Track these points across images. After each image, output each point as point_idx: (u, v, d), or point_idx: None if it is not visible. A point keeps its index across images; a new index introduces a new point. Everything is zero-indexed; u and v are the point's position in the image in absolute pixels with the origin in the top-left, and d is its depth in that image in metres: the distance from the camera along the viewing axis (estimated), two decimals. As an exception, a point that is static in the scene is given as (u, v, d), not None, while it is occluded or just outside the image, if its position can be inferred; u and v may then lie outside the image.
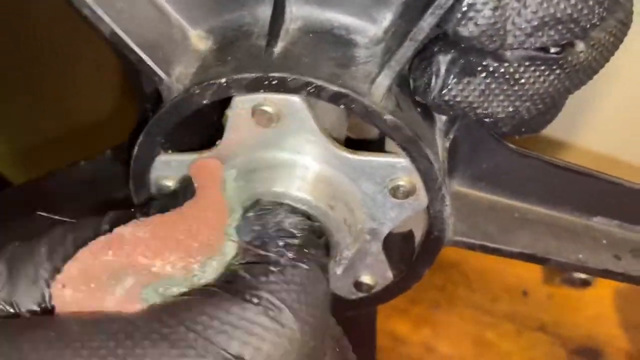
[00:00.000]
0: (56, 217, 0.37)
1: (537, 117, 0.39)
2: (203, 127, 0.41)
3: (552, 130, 0.41)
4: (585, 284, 0.73)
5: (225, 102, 0.37)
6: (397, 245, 0.43)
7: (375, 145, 0.40)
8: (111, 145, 0.48)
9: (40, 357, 0.27)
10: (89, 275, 0.31)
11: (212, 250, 0.33)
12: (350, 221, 0.38)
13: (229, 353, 0.28)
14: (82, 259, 0.31)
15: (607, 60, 0.39)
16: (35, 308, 0.31)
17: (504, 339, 0.71)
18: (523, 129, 0.40)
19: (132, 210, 0.36)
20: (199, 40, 0.40)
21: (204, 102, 0.36)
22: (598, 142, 0.70)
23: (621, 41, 0.40)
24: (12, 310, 0.31)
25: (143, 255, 0.31)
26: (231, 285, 0.30)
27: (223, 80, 0.35)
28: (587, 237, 0.45)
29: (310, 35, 0.38)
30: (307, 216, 0.37)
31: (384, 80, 0.35)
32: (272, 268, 0.31)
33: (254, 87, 0.35)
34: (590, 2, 0.33)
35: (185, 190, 0.37)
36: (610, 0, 0.34)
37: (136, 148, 0.39)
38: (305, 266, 0.32)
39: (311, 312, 0.30)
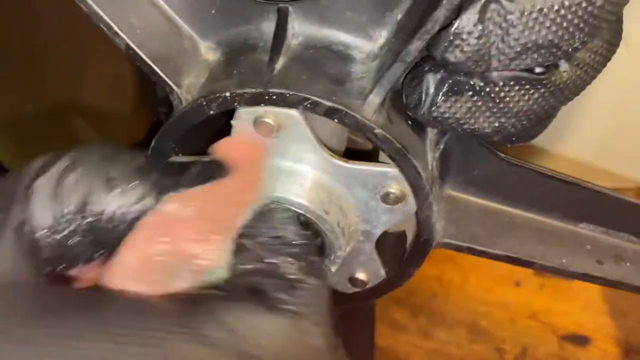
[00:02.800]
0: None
1: (525, 130, 0.41)
2: (212, 132, 0.45)
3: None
4: None
5: (232, 110, 0.40)
6: (390, 245, 0.46)
7: (372, 155, 0.43)
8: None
9: (74, 337, 0.28)
10: (147, 264, 0.33)
11: (230, 231, 0.35)
12: (344, 224, 0.41)
13: (257, 357, 0.29)
14: (138, 247, 0.33)
15: (594, 77, 0.41)
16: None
17: (498, 326, 0.74)
18: (514, 139, 0.42)
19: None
20: (208, 52, 0.43)
21: (211, 112, 0.39)
22: (575, 150, 0.73)
23: (608, 59, 0.41)
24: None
25: (191, 241, 0.33)
26: (254, 294, 0.32)
27: (228, 94, 0.38)
28: (572, 242, 0.47)
29: (310, 51, 0.41)
30: (306, 221, 0.40)
31: (375, 98, 0.38)
32: (289, 281, 0.33)
33: (255, 101, 0.38)
34: (571, 29, 0.35)
35: (223, 167, 0.37)
36: (592, 25, 0.36)
37: (149, 152, 0.42)
38: (312, 280, 0.34)
39: (324, 318, 0.33)
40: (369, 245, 0.44)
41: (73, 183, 0.32)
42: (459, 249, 0.45)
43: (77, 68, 0.56)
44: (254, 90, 0.38)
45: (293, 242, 0.37)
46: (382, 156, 0.42)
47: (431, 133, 0.43)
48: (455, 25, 0.34)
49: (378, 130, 0.38)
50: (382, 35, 0.40)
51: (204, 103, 0.39)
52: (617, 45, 0.41)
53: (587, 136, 0.73)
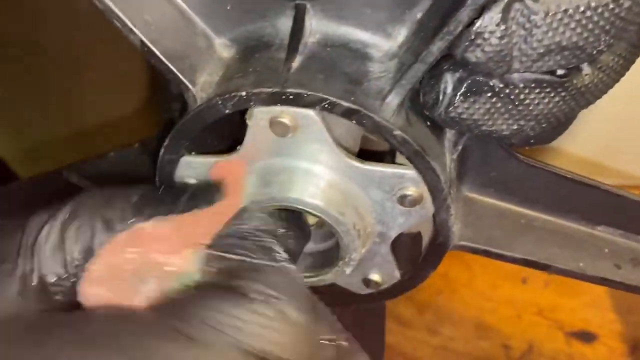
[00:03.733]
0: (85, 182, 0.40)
1: (544, 132, 0.40)
2: (226, 131, 0.44)
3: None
4: None
5: (247, 110, 0.39)
6: (406, 247, 0.46)
7: (387, 156, 0.42)
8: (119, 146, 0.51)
9: (63, 354, 0.29)
10: (116, 273, 0.34)
11: (203, 243, 0.36)
12: (360, 226, 0.41)
13: (245, 345, 0.30)
14: (106, 256, 0.34)
15: (617, 81, 0.40)
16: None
17: (504, 322, 0.74)
18: (532, 141, 0.42)
19: (159, 192, 0.39)
20: (223, 49, 0.42)
21: (226, 111, 0.38)
22: (581, 147, 0.72)
23: (632, 62, 0.40)
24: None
25: (160, 252, 0.34)
26: (229, 284, 0.33)
27: (244, 93, 0.37)
28: (590, 245, 0.46)
29: (328, 49, 0.40)
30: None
31: (395, 99, 0.37)
32: (255, 270, 0.34)
33: (271, 101, 0.37)
34: (596, 31, 0.34)
35: (212, 190, 0.39)
36: (618, 28, 0.35)
37: (162, 150, 0.42)
38: (279, 264, 0.35)
39: (301, 300, 0.33)
40: (384, 247, 0.43)
41: (76, 231, 0.35)
42: (475, 251, 0.45)
43: (82, 64, 0.55)
44: (270, 90, 0.37)
45: (255, 234, 0.38)
46: (399, 156, 0.42)
47: (449, 134, 0.42)
48: (478, 24, 0.33)
49: (397, 132, 0.37)
50: (400, 34, 0.40)
51: (220, 102, 0.38)
52: (642, 48, 0.40)
53: (593, 133, 0.72)
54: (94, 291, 0.34)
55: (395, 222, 0.42)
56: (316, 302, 0.34)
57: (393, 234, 0.43)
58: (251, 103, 0.38)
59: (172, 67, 0.39)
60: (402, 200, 0.40)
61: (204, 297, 0.32)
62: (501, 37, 0.33)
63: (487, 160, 0.45)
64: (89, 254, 0.35)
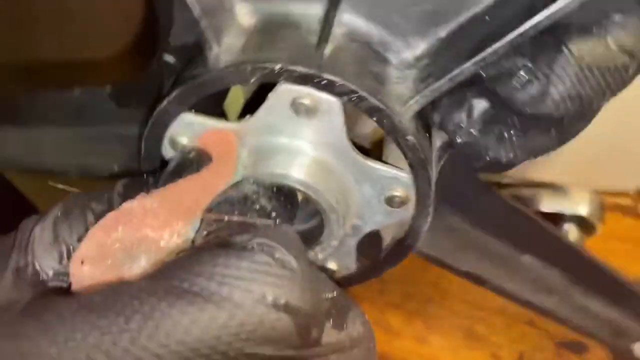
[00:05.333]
0: (72, 189, 0.39)
1: (522, 162, 0.44)
2: (219, 98, 0.44)
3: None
4: None
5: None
6: (366, 242, 0.48)
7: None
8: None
9: (66, 325, 0.28)
10: (105, 252, 0.32)
11: (195, 214, 0.36)
12: (345, 217, 0.42)
13: (254, 295, 0.29)
14: (95, 237, 0.33)
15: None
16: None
17: (494, 332, 0.74)
18: (504, 168, 0.46)
19: (144, 178, 0.39)
20: (244, 15, 0.42)
21: (252, 80, 0.38)
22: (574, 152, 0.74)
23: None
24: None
25: (151, 227, 0.33)
26: (226, 241, 0.32)
27: (278, 66, 0.37)
28: (519, 269, 0.52)
29: (353, 44, 0.41)
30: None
31: (415, 106, 0.40)
32: (250, 229, 0.35)
33: (303, 81, 0.38)
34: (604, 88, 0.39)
35: (199, 159, 0.39)
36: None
37: (165, 102, 0.40)
38: (274, 223, 0.37)
39: (300, 253, 0.32)
40: (354, 240, 0.46)
41: (68, 226, 0.35)
42: (429, 258, 0.48)
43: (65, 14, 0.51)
44: (306, 70, 0.37)
45: (246, 198, 0.39)
46: (390, 157, 0.44)
47: (437, 149, 0.45)
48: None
49: (410, 137, 0.39)
50: (419, 47, 0.42)
51: (249, 69, 0.38)
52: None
53: (586, 137, 0.74)
54: (83, 271, 0.32)
55: (373, 219, 0.44)
56: (310, 260, 0.35)
57: (366, 230, 0.45)
58: (281, 78, 0.38)
59: (204, 20, 0.38)
60: (390, 200, 0.42)
61: (204, 254, 0.31)
62: (544, 85, 0.37)
63: (453, 179, 0.49)
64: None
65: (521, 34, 0.37)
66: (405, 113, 0.40)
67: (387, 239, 0.48)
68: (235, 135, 0.41)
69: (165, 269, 0.31)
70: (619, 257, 0.67)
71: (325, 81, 0.38)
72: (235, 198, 0.39)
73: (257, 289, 0.29)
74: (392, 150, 0.43)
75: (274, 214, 0.39)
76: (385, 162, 0.42)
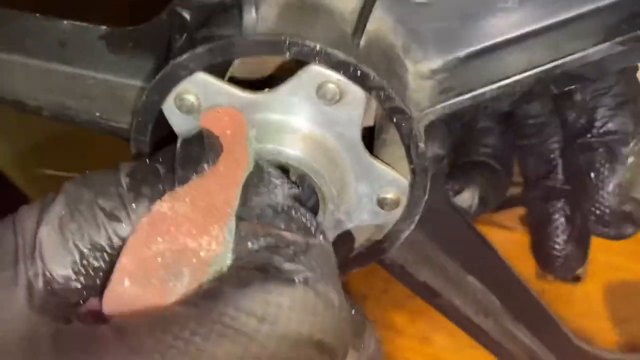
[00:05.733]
0: (68, 174, 0.35)
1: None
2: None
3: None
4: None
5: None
6: (339, 239, 0.48)
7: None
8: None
9: None
10: (148, 268, 0.30)
11: (227, 215, 0.34)
12: (338, 209, 0.42)
13: (294, 334, 0.29)
14: (134, 250, 0.31)
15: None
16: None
17: None
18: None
19: (147, 165, 0.35)
20: (279, -13, 0.41)
21: (286, 54, 0.37)
22: None
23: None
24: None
25: (190, 236, 0.31)
26: (264, 271, 0.31)
27: (317, 47, 0.37)
28: (465, 289, 0.55)
29: (380, 43, 0.42)
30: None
31: (432, 115, 0.41)
32: (295, 248, 0.33)
33: (338, 67, 0.37)
34: None
35: (211, 146, 0.36)
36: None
37: (185, 56, 0.38)
38: (315, 240, 0.35)
39: (333, 274, 0.33)
40: (331, 234, 0.45)
41: (78, 228, 0.32)
42: (393, 264, 0.49)
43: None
44: (344, 57, 0.37)
45: (288, 206, 0.37)
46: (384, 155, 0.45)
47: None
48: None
49: (422, 145, 0.40)
50: (437, 62, 0.43)
51: (287, 42, 0.37)
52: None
53: None
54: (125, 290, 0.30)
55: (359, 217, 0.44)
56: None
57: (349, 226, 0.45)
58: (317, 59, 0.37)
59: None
60: (382, 201, 0.43)
61: (241, 286, 0.30)
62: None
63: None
64: (97, 249, 0.32)
65: (545, 71, 0.39)
66: (423, 120, 0.40)
67: (361, 238, 0.48)
68: (243, 110, 0.39)
69: (206, 298, 0.30)
70: (621, 256, 0.73)
71: (360, 72, 0.38)
72: (269, 201, 0.37)
73: (297, 328, 0.29)
74: (388, 151, 0.44)
75: (308, 221, 0.37)
76: (387, 163, 0.43)
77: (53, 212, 0.32)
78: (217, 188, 0.34)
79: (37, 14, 0.45)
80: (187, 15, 0.42)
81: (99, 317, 0.31)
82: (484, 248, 0.55)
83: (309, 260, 0.33)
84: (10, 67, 0.45)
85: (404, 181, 0.42)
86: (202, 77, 0.39)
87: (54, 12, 0.45)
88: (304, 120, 0.40)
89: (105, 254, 0.32)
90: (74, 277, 0.31)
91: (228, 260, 0.33)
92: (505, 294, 0.57)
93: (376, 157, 0.43)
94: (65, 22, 0.45)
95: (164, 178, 0.34)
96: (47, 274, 0.31)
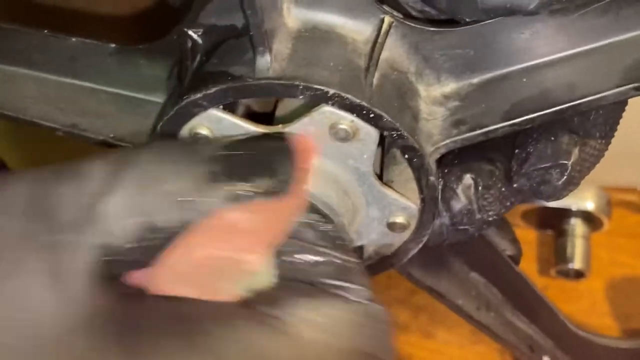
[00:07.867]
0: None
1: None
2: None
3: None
4: (579, 274, 0.78)
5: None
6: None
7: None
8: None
9: None
10: (194, 269, 0.31)
11: (276, 242, 0.34)
12: (349, 230, 0.44)
13: (348, 346, 0.30)
14: (193, 250, 0.31)
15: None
16: None
17: None
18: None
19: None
20: (289, 15, 0.40)
21: (300, 97, 0.37)
22: None
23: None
24: None
25: (243, 250, 0.32)
26: (310, 284, 0.33)
27: (331, 92, 0.37)
28: (466, 285, 0.57)
29: (395, 73, 0.41)
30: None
31: (443, 149, 0.41)
32: (340, 265, 0.34)
33: (351, 109, 0.38)
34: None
35: (283, 161, 0.36)
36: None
37: (199, 95, 0.38)
38: (351, 258, 0.36)
39: (370, 290, 0.34)
40: (342, 250, 0.47)
41: (138, 203, 0.31)
42: (401, 269, 0.51)
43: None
44: (357, 101, 0.37)
45: (322, 226, 0.38)
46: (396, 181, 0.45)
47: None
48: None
49: (432, 178, 0.41)
50: (449, 86, 0.43)
51: (300, 86, 0.37)
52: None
53: None
54: (174, 287, 0.31)
55: (369, 237, 0.45)
56: None
57: (358, 244, 0.46)
58: (330, 102, 0.37)
59: (264, 25, 0.36)
60: (392, 225, 0.44)
61: (289, 294, 0.31)
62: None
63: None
64: (153, 232, 0.31)
65: (558, 111, 0.39)
66: (432, 154, 0.41)
67: (369, 250, 0.50)
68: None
69: (259, 302, 0.31)
70: (625, 254, 0.73)
71: (373, 114, 0.38)
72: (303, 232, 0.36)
73: (351, 341, 0.31)
74: (397, 169, 0.44)
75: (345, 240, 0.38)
76: (397, 191, 0.43)
77: (123, 182, 0.31)
78: (279, 218, 0.35)
79: (46, 31, 0.45)
80: (197, 38, 0.42)
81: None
82: (484, 241, 0.57)
83: (355, 277, 0.34)
84: (21, 82, 0.45)
85: (414, 207, 0.43)
86: (215, 113, 0.39)
87: (61, 28, 0.45)
88: (316, 157, 0.40)
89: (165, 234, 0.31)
90: (133, 251, 0.31)
91: (270, 276, 0.34)
92: (506, 285, 0.59)
93: (386, 183, 0.43)
94: (74, 39, 0.45)
95: (251, 180, 0.33)
96: (107, 245, 0.30)
